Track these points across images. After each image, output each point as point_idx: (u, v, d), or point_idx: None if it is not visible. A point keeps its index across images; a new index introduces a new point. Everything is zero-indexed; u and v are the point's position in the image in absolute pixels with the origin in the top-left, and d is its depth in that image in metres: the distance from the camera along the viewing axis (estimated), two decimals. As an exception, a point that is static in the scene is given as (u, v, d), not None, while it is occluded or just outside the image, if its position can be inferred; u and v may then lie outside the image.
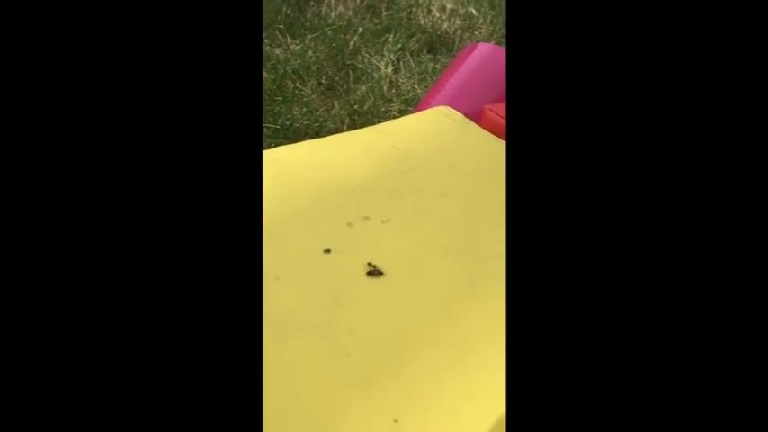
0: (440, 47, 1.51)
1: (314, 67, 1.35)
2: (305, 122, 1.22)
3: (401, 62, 1.42)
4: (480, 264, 0.50)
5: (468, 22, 1.60)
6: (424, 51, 1.48)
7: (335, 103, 1.29)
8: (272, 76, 1.31)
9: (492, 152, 0.65)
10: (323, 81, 1.33)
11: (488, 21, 1.60)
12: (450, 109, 0.74)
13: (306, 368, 0.40)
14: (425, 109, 0.78)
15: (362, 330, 0.43)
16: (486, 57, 0.86)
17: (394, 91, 1.36)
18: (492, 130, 0.70)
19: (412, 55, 1.45)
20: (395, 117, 1.25)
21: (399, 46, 1.46)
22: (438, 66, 1.42)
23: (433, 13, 1.61)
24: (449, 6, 1.64)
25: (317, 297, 0.45)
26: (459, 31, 1.56)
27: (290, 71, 1.33)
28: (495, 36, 1.57)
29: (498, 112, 0.74)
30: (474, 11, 1.63)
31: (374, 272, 0.48)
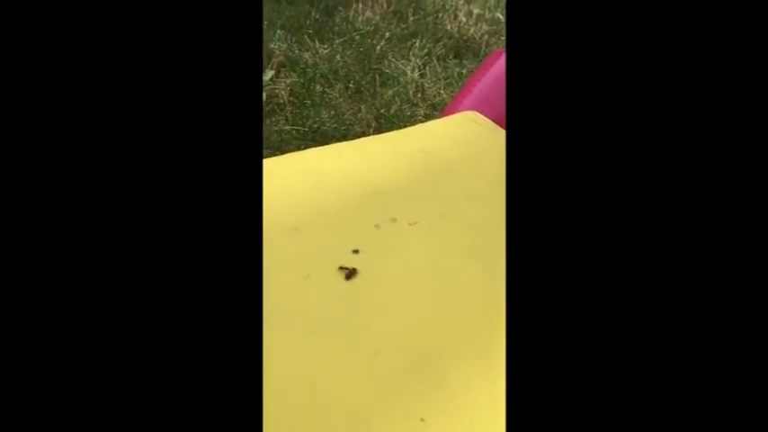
0: (466, 52, 1.52)
1: (341, 72, 1.37)
2: (332, 125, 1.24)
3: (427, 67, 1.43)
4: (504, 268, 0.50)
5: (494, 27, 1.61)
6: (451, 56, 1.49)
7: (362, 107, 1.30)
8: (300, 80, 1.33)
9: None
10: (350, 85, 1.35)
11: (515, 26, 1.60)
12: (479, 114, 0.74)
13: (334, 366, 0.41)
14: (451, 114, 0.79)
15: (390, 331, 0.44)
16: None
17: (420, 95, 1.37)
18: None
19: (438, 60, 1.46)
20: (420, 121, 1.26)
21: (426, 51, 1.47)
22: (464, 71, 1.43)
23: (459, 18, 1.62)
24: (475, 12, 1.64)
25: (346, 296, 0.47)
26: (486, 37, 1.57)
27: (318, 75, 1.35)
28: (521, 41, 1.57)
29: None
30: (501, 16, 1.63)
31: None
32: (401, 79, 1.38)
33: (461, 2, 1.67)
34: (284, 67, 1.36)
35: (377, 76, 1.39)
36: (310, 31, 1.48)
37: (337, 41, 1.46)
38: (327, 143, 0.69)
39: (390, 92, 1.34)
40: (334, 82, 1.35)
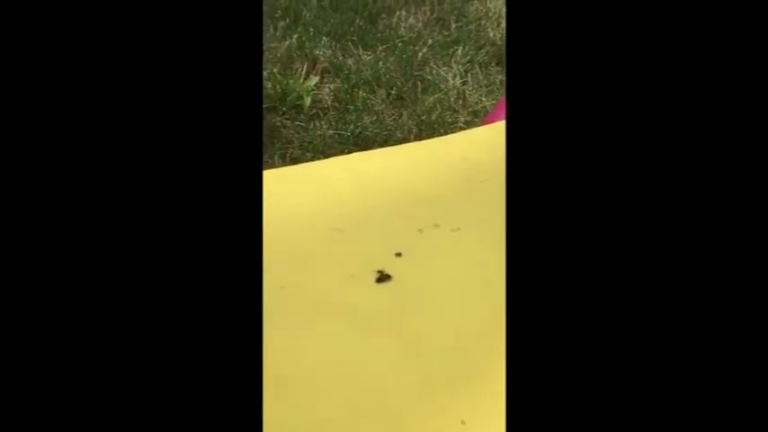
0: (509, 59, 1.52)
1: (384, 78, 1.39)
2: (374, 130, 1.26)
3: (469, 74, 1.44)
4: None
5: (538, 35, 1.60)
6: (493, 64, 1.49)
7: (404, 113, 1.32)
8: (344, 86, 1.35)
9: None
10: (392, 91, 1.36)
11: (559, 34, 1.59)
12: (521, 122, 0.75)
13: (378, 365, 0.43)
14: (493, 121, 0.80)
15: (432, 333, 0.45)
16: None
17: (461, 102, 1.37)
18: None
19: (480, 67, 1.47)
20: (461, 128, 1.27)
21: (468, 58, 1.48)
22: (506, 78, 1.43)
23: (502, 25, 1.62)
24: (519, 19, 1.64)
25: (389, 298, 0.48)
26: (529, 44, 1.56)
27: (361, 81, 1.37)
28: (565, 49, 1.56)
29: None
30: (544, 24, 1.62)
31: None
32: (443, 86, 1.39)
33: (505, 9, 1.66)
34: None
35: (419, 82, 1.40)
36: (354, 38, 1.50)
37: (380, 48, 1.48)
38: (369, 148, 0.71)
39: (432, 98, 1.35)
40: (376, 88, 1.37)
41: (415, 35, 1.54)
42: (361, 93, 1.34)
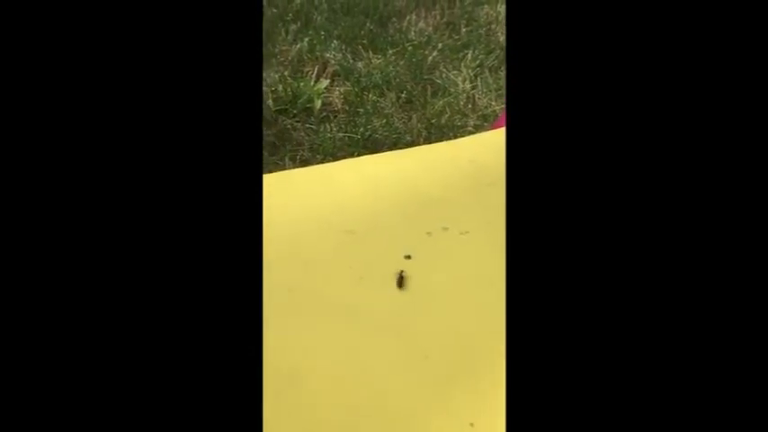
0: (518, 64, 1.52)
1: (394, 81, 1.40)
2: (384, 133, 1.26)
3: (479, 78, 1.44)
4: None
5: (548, 39, 1.60)
6: (503, 68, 1.49)
7: (413, 116, 1.33)
8: (354, 89, 1.36)
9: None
10: (402, 95, 1.37)
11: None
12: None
13: (386, 367, 0.43)
14: (503, 125, 0.80)
15: (440, 335, 0.46)
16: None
17: (470, 106, 1.38)
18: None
19: (490, 71, 1.47)
20: (470, 132, 1.27)
21: (478, 62, 1.48)
22: (516, 82, 1.43)
23: (512, 30, 1.62)
24: (529, 23, 1.64)
25: (398, 299, 0.48)
26: (539, 49, 1.57)
27: (371, 84, 1.38)
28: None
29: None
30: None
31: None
32: (452, 90, 1.39)
33: (515, 14, 1.67)
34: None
35: (428, 86, 1.41)
36: (365, 42, 1.51)
37: (390, 52, 1.48)
38: (378, 151, 0.71)
39: (441, 102, 1.35)
40: (386, 91, 1.37)
41: (425, 39, 1.55)
42: (371, 96, 1.35)
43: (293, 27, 1.53)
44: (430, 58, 1.48)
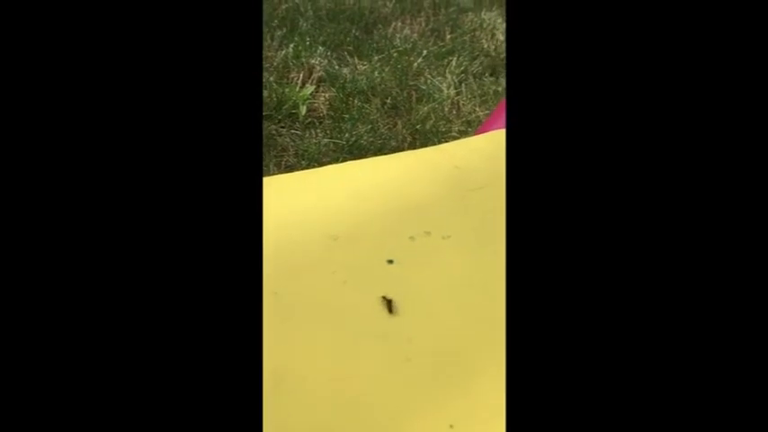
0: (502, 70, 1.53)
1: (379, 87, 1.41)
2: (369, 139, 1.27)
3: (463, 84, 1.46)
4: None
5: (531, 46, 1.62)
6: (487, 74, 1.51)
7: (398, 122, 1.33)
8: (340, 95, 1.37)
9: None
10: (387, 101, 1.38)
11: (552, 46, 1.61)
12: (512, 132, 0.76)
13: (367, 370, 0.43)
14: (487, 131, 0.81)
15: (422, 337, 0.46)
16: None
17: (455, 112, 1.39)
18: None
19: (474, 77, 1.48)
20: (455, 137, 1.28)
21: (462, 68, 1.49)
22: (500, 89, 1.44)
23: (496, 36, 1.64)
24: (513, 31, 1.66)
25: (380, 304, 0.49)
26: (523, 56, 1.58)
27: (356, 90, 1.38)
28: (558, 61, 1.57)
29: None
30: (538, 35, 1.64)
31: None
32: (437, 96, 1.40)
33: (499, 20, 1.69)
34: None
35: (413, 92, 1.42)
36: (350, 48, 1.52)
37: (376, 58, 1.49)
38: (363, 156, 0.72)
39: (426, 108, 1.36)
40: (371, 97, 1.38)
41: (410, 45, 1.56)
42: (356, 102, 1.36)
43: (279, 33, 1.53)
44: (415, 64, 1.49)
